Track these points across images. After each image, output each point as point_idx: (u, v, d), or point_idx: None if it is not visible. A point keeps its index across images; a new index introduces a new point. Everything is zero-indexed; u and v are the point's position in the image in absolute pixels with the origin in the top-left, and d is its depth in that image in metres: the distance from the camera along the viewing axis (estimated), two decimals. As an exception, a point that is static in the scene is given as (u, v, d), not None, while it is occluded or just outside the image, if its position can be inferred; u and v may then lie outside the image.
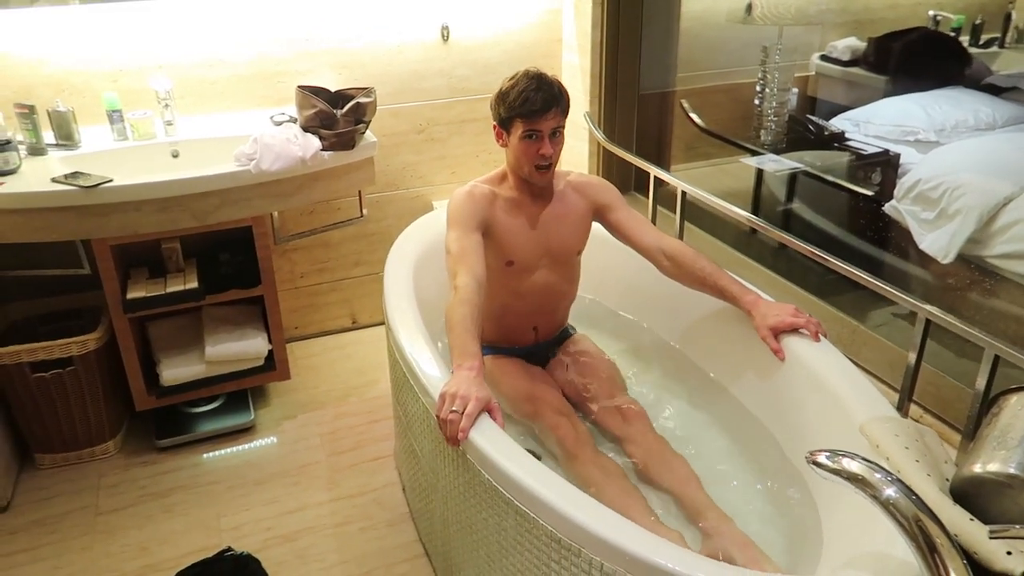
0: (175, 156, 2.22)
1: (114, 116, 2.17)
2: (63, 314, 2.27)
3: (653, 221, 2.35)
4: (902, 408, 1.57)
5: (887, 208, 2.35)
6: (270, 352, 2.33)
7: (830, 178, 2.59)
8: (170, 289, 2.11)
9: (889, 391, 1.73)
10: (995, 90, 2.69)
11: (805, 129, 2.81)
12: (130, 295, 2.08)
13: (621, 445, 1.85)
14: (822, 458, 1.07)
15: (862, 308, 2.08)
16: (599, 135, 2.62)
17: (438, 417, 1.43)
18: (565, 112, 1.78)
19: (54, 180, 1.90)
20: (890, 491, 1.01)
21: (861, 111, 2.74)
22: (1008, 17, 2.90)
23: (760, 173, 2.78)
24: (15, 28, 2.13)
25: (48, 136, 2.13)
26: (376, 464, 2.22)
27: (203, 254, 2.28)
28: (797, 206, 2.72)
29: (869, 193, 2.47)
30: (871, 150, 2.55)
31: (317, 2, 2.41)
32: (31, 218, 1.90)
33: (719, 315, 1.92)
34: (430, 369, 1.62)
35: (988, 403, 1.33)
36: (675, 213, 2.26)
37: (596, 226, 1.98)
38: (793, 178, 2.72)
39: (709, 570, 1.14)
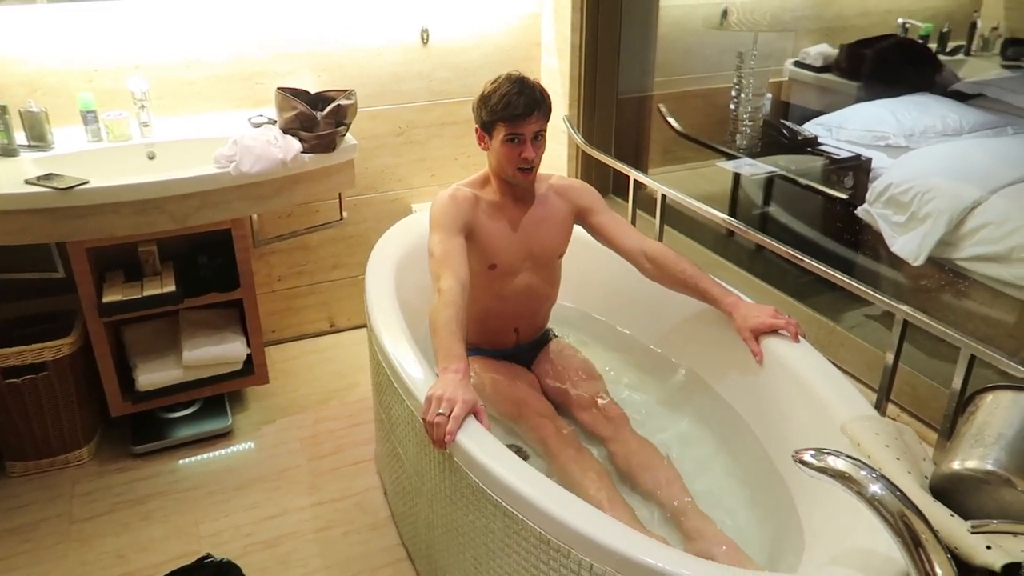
0: (151, 158, 2.19)
1: (88, 117, 2.14)
2: (36, 318, 2.23)
3: (633, 224, 2.37)
4: (880, 407, 1.60)
5: (860, 211, 2.39)
6: (248, 356, 2.30)
7: (804, 182, 2.64)
8: (147, 293, 2.08)
9: (867, 391, 1.76)
10: (961, 97, 2.75)
11: (779, 134, 2.85)
12: (106, 299, 2.05)
13: (604, 446, 1.86)
14: (808, 457, 1.09)
15: (837, 309, 2.12)
16: (578, 138, 2.63)
17: (424, 420, 1.43)
18: (547, 116, 1.79)
19: (27, 182, 1.87)
20: (875, 488, 1.03)
21: (833, 116, 2.79)
22: (973, 26, 2.97)
23: (737, 177, 2.82)
24: (-14, 27, 2.09)
25: (20, 137, 2.08)
26: (357, 468, 2.20)
27: (181, 257, 2.25)
28: (773, 209, 2.76)
29: (843, 196, 2.52)
30: (843, 154, 2.60)
31: (296, 3, 2.39)
32: (3, 221, 1.86)
33: (700, 317, 1.94)
34: (414, 372, 1.61)
35: (964, 402, 1.36)
36: (653, 216, 2.29)
37: (577, 230, 1.99)
38: (769, 182, 2.76)
39: (698, 569, 1.16)
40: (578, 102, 2.67)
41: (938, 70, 2.87)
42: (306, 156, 2.10)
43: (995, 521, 1.01)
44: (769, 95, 2.92)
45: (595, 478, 1.70)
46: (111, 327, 2.16)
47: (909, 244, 2.20)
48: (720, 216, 2.11)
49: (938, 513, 1.17)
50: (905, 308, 1.53)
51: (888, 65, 2.88)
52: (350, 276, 2.81)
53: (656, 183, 2.24)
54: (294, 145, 2.07)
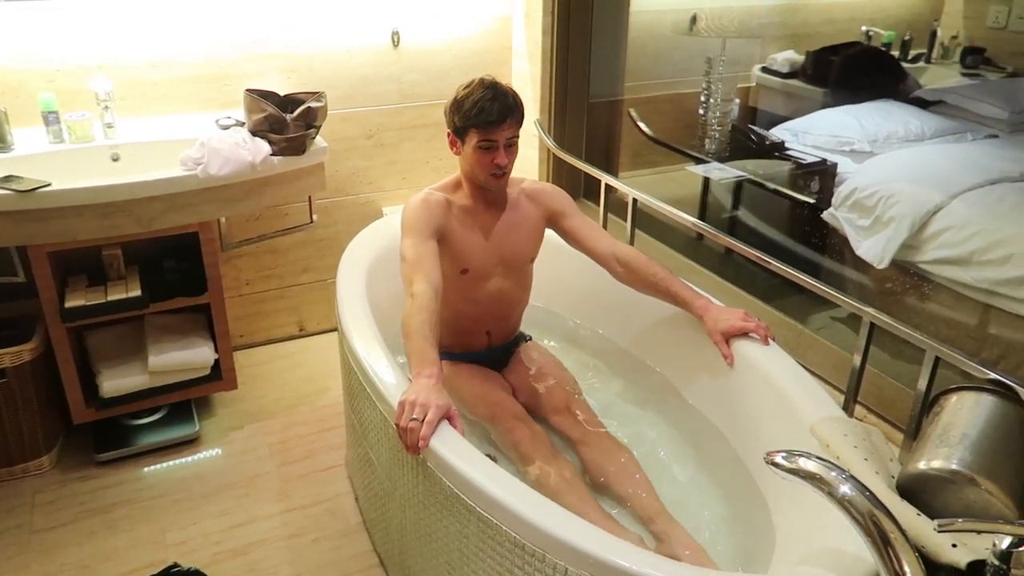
0: (115, 160, 2.14)
1: (50, 117, 2.09)
2: (-5, 323, 2.17)
3: (604, 228, 2.38)
4: (848, 408, 1.63)
5: (826, 215, 2.43)
6: (216, 361, 2.26)
7: (772, 186, 2.67)
8: (111, 297, 2.04)
9: (835, 392, 1.79)
10: (923, 103, 2.81)
11: (747, 138, 2.89)
12: (68, 304, 2.00)
13: (575, 448, 1.87)
14: (779, 459, 1.10)
15: (804, 312, 2.15)
16: (549, 142, 2.64)
17: (398, 426, 1.42)
18: (520, 122, 1.79)
19: (-13, 184, 1.82)
20: (845, 488, 1.05)
21: (799, 122, 2.83)
22: (934, 34, 3.04)
23: (707, 181, 2.85)
24: (-58, 24, 2.04)
25: (-23, 138, 2.03)
26: (328, 474, 2.18)
27: (146, 261, 2.21)
28: (742, 213, 2.79)
29: (809, 201, 2.56)
30: (810, 159, 2.63)
31: (265, 4, 2.36)
32: (-38, 223, 1.81)
33: (671, 320, 1.96)
34: (386, 376, 1.60)
35: (929, 403, 1.39)
36: (624, 220, 2.30)
37: (549, 233, 1.99)
38: (738, 186, 2.80)
39: (671, 571, 1.17)
40: (549, 106, 2.67)
41: (901, 77, 2.93)
42: (275, 159, 2.07)
43: (960, 520, 1.03)
44: (737, 100, 2.96)
45: (568, 481, 1.71)
46: (73, 332, 2.11)
47: (874, 247, 2.23)
48: (689, 220, 2.13)
49: (905, 512, 1.19)
50: (871, 311, 1.55)
51: (853, 72, 2.93)
52: (320, 280, 2.78)
53: (627, 187, 2.25)
54: (263, 147, 2.04)
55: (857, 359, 1.61)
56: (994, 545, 1.01)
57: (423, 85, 2.66)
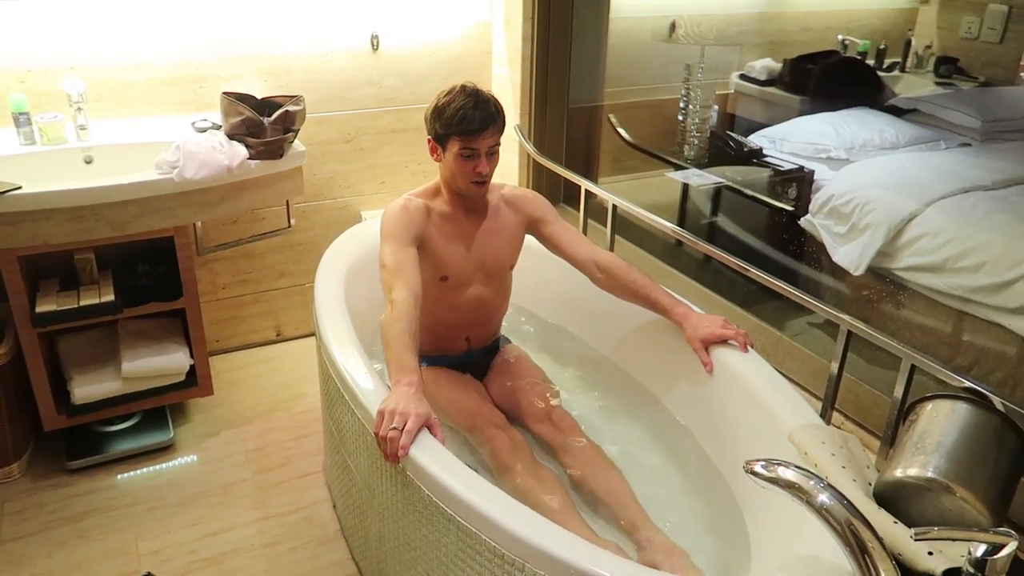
0: (88, 162, 2.11)
1: (21, 119, 2.05)
2: (-38, 329, 2.13)
3: (584, 234, 2.38)
4: (825, 415, 1.64)
5: (803, 222, 2.45)
6: (192, 367, 2.23)
7: (750, 192, 2.69)
8: (84, 302, 2.00)
9: (812, 399, 1.80)
10: (897, 111, 2.85)
11: (725, 145, 2.91)
12: (39, 308, 1.96)
13: (555, 455, 1.86)
14: (759, 467, 1.10)
15: (781, 318, 2.17)
16: (529, 148, 2.64)
17: (377, 435, 1.41)
18: (501, 130, 1.78)
19: (-45, 186, 1.78)
20: (823, 497, 1.05)
21: (777, 129, 2.85)
22: (908, 43, 3.09)
23: (686, 187, 2.86)
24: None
25: (-53, 139, 1.99)
26: (305, 481, 2.16)
27: (120, 265, 2.18)
28: (721, 219, 2.81)
29: (787, 208, 2.58)
30: (787, 166, 2.66)
31: (242, 6, 2.34)
32: (-72, 227, 1.77)
33: (651, 327, 1.96)
34: (365, 383, 1.59)
35: (905, 411, 1.40)
36: (604, 226, 2.30)
37: (530, 239, 1.99)
38: (717, 192, 2.81)
39: (651, 580, 1.16)
40: (529, 111, 2.67)
41: (877, 86, 2.96)
42: (252, 163, 2.05)
43: (936, 528, 1.03)
44: (716, 107, 2.98)
45: (548, 489, 1.70)
46: (45, 338, 2.07)
47: (850, 254, 2.26)
48: (668, 226, 2.13)
49: (882, 520, 1.20)
50: (848, 319, 1.57)
51: (829, 80, 2.96)
52: (297, 284, 2.76)
53: (607, 193, 2.25)
54: (240, 151, 2.02)
55: (834, 367, 1.62)
56: (969, 553, 1.02)
57: (402, 89, 2.65)
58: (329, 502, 2.07)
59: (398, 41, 2.58)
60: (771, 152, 2.76)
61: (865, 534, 1.01)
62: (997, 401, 1.31)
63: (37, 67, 2.15)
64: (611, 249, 2.28)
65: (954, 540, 1.12)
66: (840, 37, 3.12)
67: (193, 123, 2.23)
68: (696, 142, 2.91)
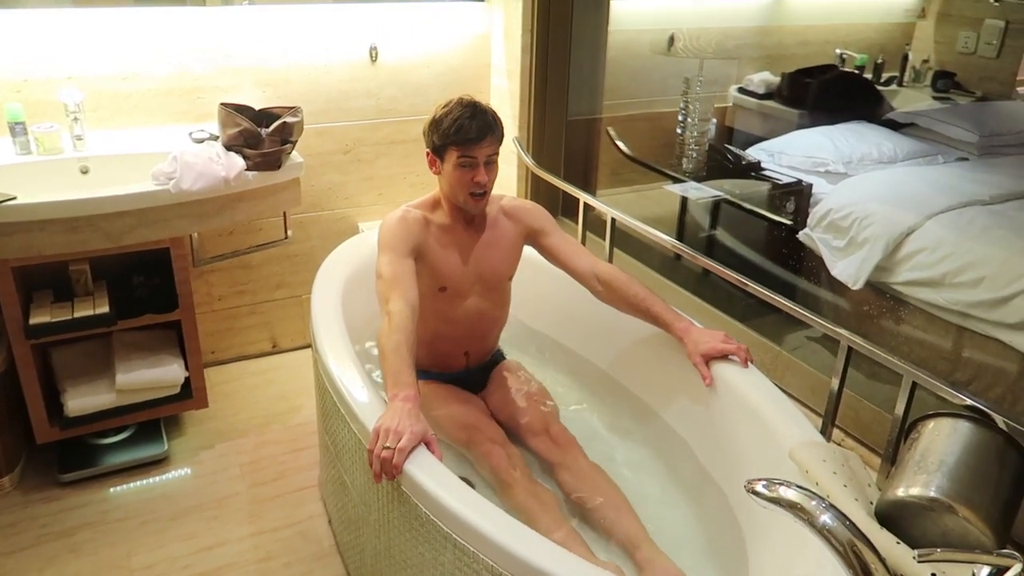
0: (84, 172, 2.10)
1: (17, 128, 2.04)
2: (-45, 340, 2.10)
3: (583, 245, 2.37)
4: (826, 432, 1.63)
5: (802, 236, 2.44)
6: (187, 379, 2.21)
7: (748, 206, 2.69)
8: (78, 314, 1.98)
9: (812, 415, 1.79)
10: (895, 125, 2.85)
11: (724, 158, 2.91)
12: (33, 320, 1.94)
13: (554, 472, 1.84)
14: (760, 487, 1.09)
15: (781, 333, 2.16)
16: (528, 160, 2.63)
17: (370, 453, 1.39)
18: (499, 140, 1.78)
19: (-51, 197, 1.77)
20: (825, 517, 1.04)
21: (775, 142, 2.85)
22: (905, 58, 3.10)
23: (684, 200, 2.86)
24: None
25: (-58, 148, 1.98)
26: (301, 495, 2.14)
27: (115, 276, 2.16)
28: (719, 233, 2.80)
29: (785, 221, 2.58)
30: (785, 180, 2.65)
31: (241, 18, 2.33)
32: (-78, 237, 1.76)
33: (651, 341, 1.95)
34: (361, 396, 1.57)
35: (907, 429, 1.39)
36: (603, 238, 2.29)
37: (529, 250, 1.98)
38: (716, 206, 2.81)
39: (651, 601, 1.15)
40: (528, 123, 2.67)
41: (875, 100, 2.97)
42: (250, 174, 2.04)
43: (939, 550, 1.02)
44: (714, 120, 2.98)
45: (547, 507, 1.68)
46: (38, 349, 2.05)
47: (848, 268, 2.25)
48: (667, 240, 2.12)
49: (885, 541, 1.19)
50: (848, 335, 1.56)
51: (827, 93, 2.97)
52: (294, 296, 2.74)
53: (605, 206, 2.25)
54: (237, 162, 2.01)
55: (835, 383, 1.61)
56: (972, 575, 1.01)
57: (401, 101, 2.64)
58: (324, 517, 2.05)
59: (397, 52, 2.58)
60: (769, 165, 2.76)
61: (868, 556, 1.00)
62: (999, 420, 1.30)
63: (34, 77, 2.14)
64: (610, 262, 2.26)
65: (958, 563, 1.10)
66: (838, 51, 3.13)
67: (191, 134, 2.23)
68: (695, 155, 2.91)
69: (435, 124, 1.76)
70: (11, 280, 1.88)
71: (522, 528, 1.26)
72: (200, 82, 2.34)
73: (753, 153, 2.87)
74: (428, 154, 1.82)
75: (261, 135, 2.05)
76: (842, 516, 1.03)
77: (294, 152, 2.18)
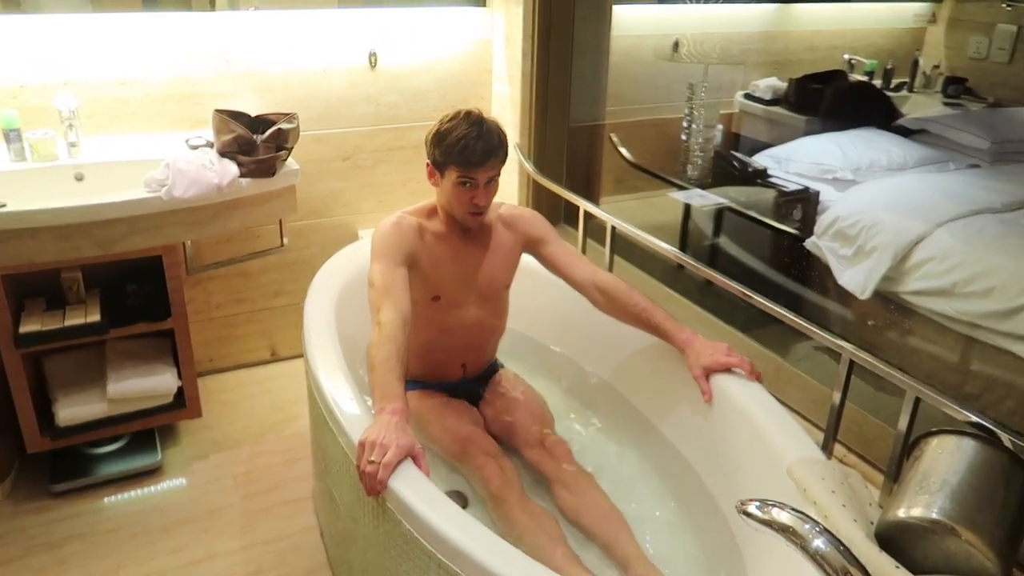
0: (79, 179, 2.08)
1: (11, 135, 2.02)
2: (-52, 347, 2.09)
3: (583, 253, 2.33)
4: (827, 448, 1.58)
5: (808, 244, 2.40)
6: (180, 389, 2.19)
7: (753, 214, 2.64)
8: (69, 322, 1.96)
9: (814, 430, 1.74)
10: (905, 132, 2.80)
11: (730, 165, 2.86)
12: (23, 328, 1.92)
13: (549, 486, 1.80)
14: (752, 508, 1.05)
15: (785, 343, 2.11)
16: (529, 167, 2.60)
17: (357, 467, 1.36)
18: (503, 161, 1.74)
19: (-62, 204, 1.75)
20: (818, 542, 1.00)
21: (782, 149, 2.81)
22: (916, 63, 3.05)
23: (688, 207, 2.81)
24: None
25: (-64, 155, 1.97)
26: (294, 507, 2.10)
27: (108, 284, 2.14)
28: (723, 241, 2.75)
29: (791, 230, 2.53)
30: (792, 187, 2.61)
31: (239, 23, 2.32)
32: (-89, 244, 1.74)
33: (652, 352, 1.90)
34: (349, 409, 1.54)
35: (910, 446, 1.34)
36: (604, 246, 2.26)
37: (528, 259, 1.94)
38: (719, 213, 2.76)
39: (639, 626, 1.10)
40: (529, 130, 2.63)
41: (884, 107, 2.92)
42: (243, 181, 2.01)
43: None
44: (720, 126, 2.94)
45: (541, 524, 1.64)
46: (30, 357, 2.03)
47: (856, 277, 2.20)
48: (668, 249, 2.07)
49: (884, 565, 1.14)
50: (851, 347, 1.51)
51: (835, 100, 2.92)
52: (293, 303, 2.72)
53: (606, 214, 2.21)
54: (231, 169, 1.98)
55: (837, 396, 1.56)
56: (976, 604, 0.96)
57: (401, 107, 2.61)
58: (317, 530, 2.02)
59: (397, 58, 2.55)
60: (776, 172, 2.71)
61: (863, 583, 0.95)
62: (1005, 438, 1.24)
63: (30, 83, 2.13)
64: (610, 270, 2.22)
65: (959, 588, 1.06)
66: (846, 56, 3.08)
67: (188, 140, 2.21)
68: (700, 162, 2.87)
69: (438, 138, 1.71)
70: (1, 288, 1.86)
71: (510, 549, 1.22)
72: (198, 88, 2.32)
73: (759, 160, 2.82)
74: (428, 165, 1.78)
75: (255, 142, 2.03)
76: (836, 541, 0.99)
77: (290, 159, 2.15)
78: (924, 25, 3.05)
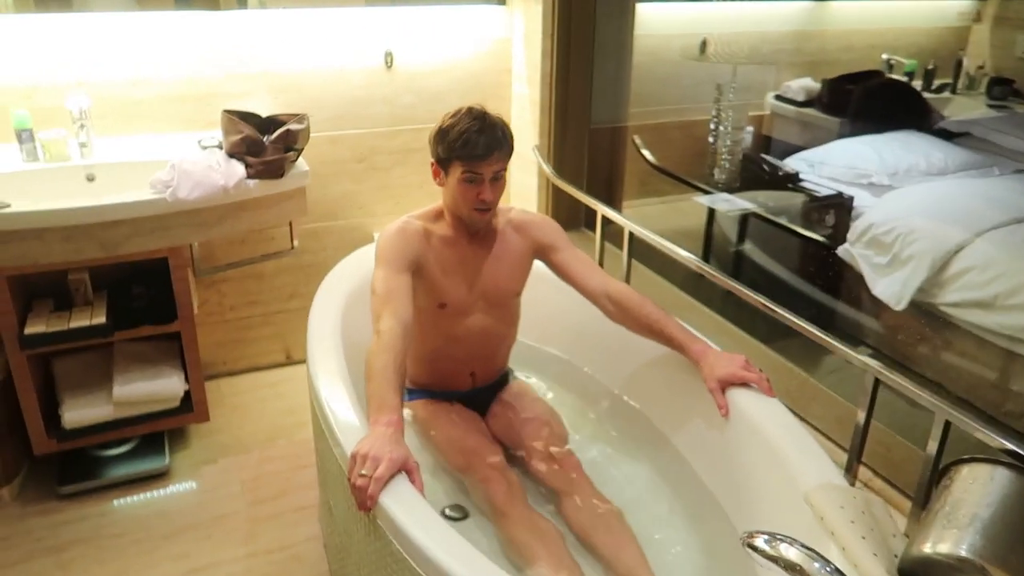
0: (91, 180, 2.07)
1: (24, 135, 2.02)
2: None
3: (601, 259, 2.26)
4: (851, 470, 1.47)
5: (841, 251, 2.30)
6: (187, 392, 2.16)
7: (782, 221, 2.54)
8: (74, 324, 1.95)
9: (837, 450, 1.63)
10: (947, 135, 2.68)
11: (759, 168, 2.77)
12: (28, 330, 1.91)
13: (558, 501, 1.73)
14: (760, 542, 0.96)
15: (810, 355, 2.00)
16: (547, 169, 2.52)
17: (348, 480, 1.30)
18: (508, 155, 1.68)
19: (-57, 204, 1.74)
20: (830, 582, 0.91)
21: (815, 152, 2.72)
22: (959, 63, 2.91)
23: (712, 212, 2.72)
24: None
25: (-52, 155, 1.97)
26: (299, 515, 2.06)
27: (116, 286, 2.12)
28: (749, 247, 2.65)
29: (822, 237, 2.43)
30: (825, 192, 2.52)
31: (254, 23, 2.29)
32: (-83, 244, 1.74)
33: (666, 363, 1.81)
34: (346, 418, 1.48)
35: (939, 472, 1.24)
36: (623, 250, 2.18)
37: (540, 265, 1.87)
38: (745, 218, 2.67)
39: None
40: (548, 131, 2.56)
41: (923, 109, 2.80)
42: (251, 182, 1.97)
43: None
44: (750, 128, 2.84)
45: (547, 541, 1.56)
46: (38, 359, 2.02)
47: (891, 287, 2.11)
48: (685, 255, 1.98)
49: (905, 606, 1.04)
50: (876, 365, 1.41)
51: (872, 102, 2.80)
52: (307, 306, 2.62)
53: (623, 219, 2.12)
54: (237, 170, 1.95)
55: (861, 416, 1.45)
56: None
57: (417, 107, 2.56)
58: (321, 540, 1.97)
59: (413, 58, 2.50)
60: (808, 176, 2.61)
61: (878, 630, 0.86)
62: (1046, 468, 1.14)
63: (43, 83, 2.12)
64: (627, 276, 2.14)
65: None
66: (885, 56, 2.95)
67: (200, 140, 2.19)
68: (727, 165, 2.77)
69: (441, 134, 1.68)
70: (6, 289, 1.85)
71: (502, 574, 1.15)
72: (211, 88, 2.30)
73: (791, 163, 2.72)
74: (432, 164, 1.73)
75: (263, 142, 1.99)
76: (850, 581, 0.90)
77: (300, 160, 2.11)
78: (968, 23, 2.92)
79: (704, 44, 2.82)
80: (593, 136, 2.64)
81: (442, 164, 1.70)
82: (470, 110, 1.66)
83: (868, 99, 2.77)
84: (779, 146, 2.95)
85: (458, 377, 1.89)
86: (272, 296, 2.63)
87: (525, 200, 2.69)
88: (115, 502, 2.09)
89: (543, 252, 1.86)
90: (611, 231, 2.30)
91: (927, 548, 1.09)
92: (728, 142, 2.76)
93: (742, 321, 2.10)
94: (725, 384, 1.62)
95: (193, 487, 2.16)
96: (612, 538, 1.60)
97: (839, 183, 2.53)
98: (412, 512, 1.25)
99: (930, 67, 2.96)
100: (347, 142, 2.53)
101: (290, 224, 2.37)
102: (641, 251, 2.15)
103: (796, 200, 2.59)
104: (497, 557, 1.63)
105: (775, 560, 0.94)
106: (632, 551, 1.57)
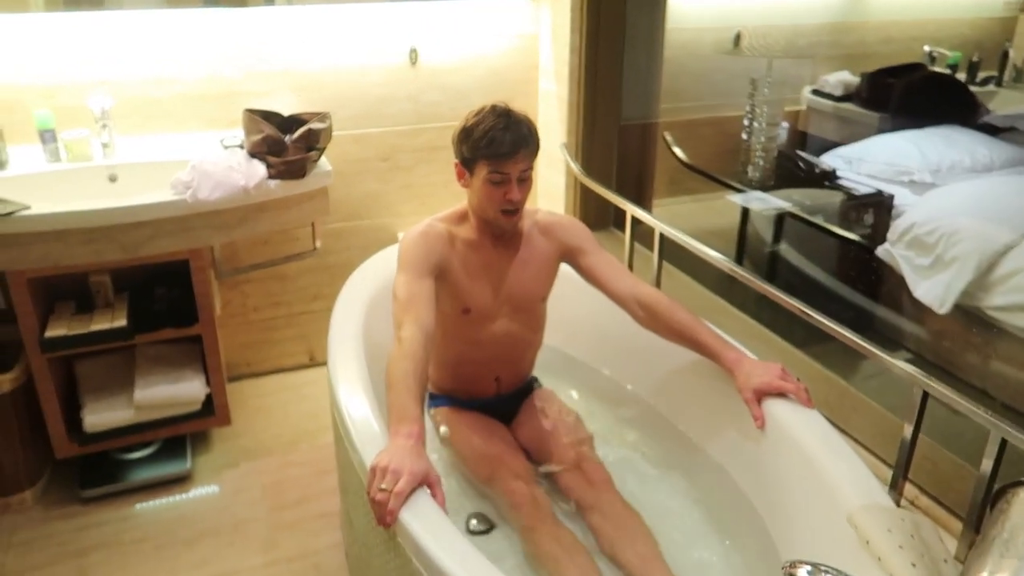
0: (113, 180, 2.05)
1: (46, 136, 2.00)
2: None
3: (630, 260, 2.19)
4: (896, 487, 1.39)
5: (880, 252, 2.21)
6: (209, 396, 2.13)
7: (818, 220, 2.45)
8: (94, 327, 1.93)
9: (881, 466, 1.55)
10: (992, 130, 2.57)
11: (795, 165, 2.68)
12: (49, 333, 1.89)
13: (584, 513, 1.67)
14: (802, 573, 0.89)
15: (850, 363, 1.92)
16: (576, 168, 2.46)
17: (368, 494, 1.25)
18: (535, 153, 1.62)
19: (-36, 206, 1.73)
20: (882, 619, 0.84)
21: (853, 148, 2.62)
22: (1005, 55, 2.80)
23: (746, 211, 2.63)
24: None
25: (-28, 155, 1.95)
26: (321, 522, 2.02)
27: (137, 288, 2.10)
28: (784, 247, 2.56)
29: (861, 237, 2.34)
30: (864, 190, 2.43)
31: (276, 20, 2.25)
32: (-63, 247, 1.72)
33: (698, 370, 1.74)
34: (366, 430, 1.44)
35: (994, 495, 1.16)
36: (653, 251, 2.11)
37: (567, 268, 1.81)
38: (781, 217, 2.58)
39: None
40: (577, 129, 2.49)
41: (968, 102, 2.69)
42: (272, 182, 1.94)
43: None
44: (785, 124, 2.74)
45: (572, 555, 1.51)
46: (60, 361, 2.01)
47: (934, 290, 2.02)
48: (717, 258, 1.90)
49: (961, 643, 0.97)
50: (925, 378, 1.32)
51: (913, 96, 2.70)
52: (331, 308, 2.63)
53: (653, 219, 2.05)
54: (259, 171, 1.91)
55: (908, 430, 1.37)
56: None
57: (442, 105, 2.51)
58: (342, 548, 1.93)
59: (438, 55, 2.45)
60: (846, 174, 2.52)
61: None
62: (1114, 493, 1.05)
63: (65, 83, 2.11)
64: (658, 279, 2.07)
65: None
66: (927, 48, 2.84)
67: (222, 140, 2.16)
68: (761, 162, 2.68)
69: (465, 133, 1.62)
70: (26, 291, 1.83)
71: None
72: (234, 87, 2.27)
73: (828, 160, 2.63)
74: (456, 165, 1.68)
75: (285, 142, 1.96)
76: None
77: (323, 159, 2.07)
78: (1015, 13, 2.80)
79: (738, 37, 2.73)
80: (622, 133, 2.57)
81: (467, 164, 1.65)
82: (494, 108, 1.61)
83: (911, 93, 2.66)
84: (815, 142, 2.85)
85: (482, 383, 1.84)
86: (295, 297, 2.60)
87: (553, 199, 2.63)
88: (137, 506, 2.07)
89: (570, 255, 1.80)
90: (641, 231, 2.23)
91: (984, 579, 1.02)
92: (762, 139, 2.67)
93: (778, 326, 2.02)
94: (761, 394, 1.55)
95: (215, 491, 2.14)
96: (640, 553, 1.54)
97: (878, 181, 2.44)
98: (433, 529, 1.20)
99: (974, 59, 2.84)
100: (371, 141, 2.49)
101: (312, 225, 2.34)
102: (672, 252, 2.08)
103: (833, 199, 2.50)
104: (524, 570, 1.57)
105: (820, 594, 0.87)
106: (659, 567, 1.51)
